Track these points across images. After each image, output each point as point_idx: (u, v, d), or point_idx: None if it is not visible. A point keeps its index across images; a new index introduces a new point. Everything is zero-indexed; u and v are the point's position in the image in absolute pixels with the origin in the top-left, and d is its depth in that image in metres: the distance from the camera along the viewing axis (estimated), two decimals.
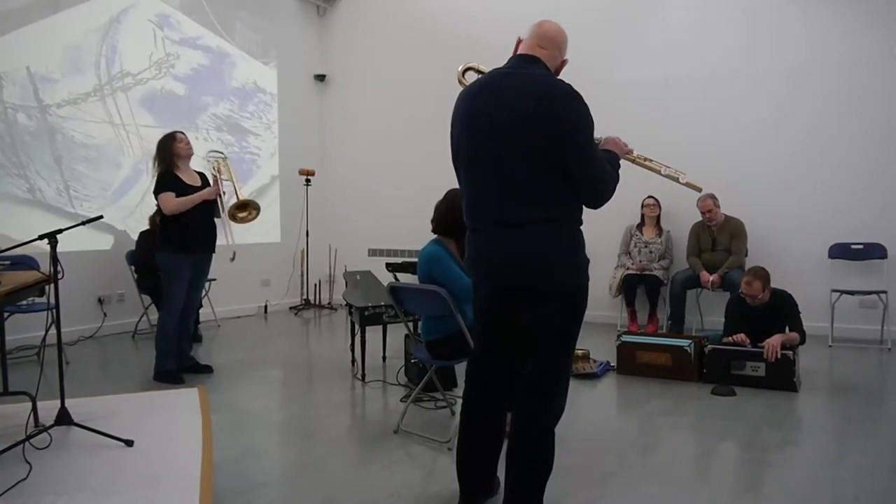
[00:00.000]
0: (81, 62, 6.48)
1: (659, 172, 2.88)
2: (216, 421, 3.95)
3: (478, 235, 2.52)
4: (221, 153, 5.41)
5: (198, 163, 5.35)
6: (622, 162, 2.64)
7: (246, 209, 5.14)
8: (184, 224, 4.79)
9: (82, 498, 2.87)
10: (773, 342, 4.55)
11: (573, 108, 2.33)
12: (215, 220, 5.03)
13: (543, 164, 2.33)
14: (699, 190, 3.12)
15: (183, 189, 4.80)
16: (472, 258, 2.59)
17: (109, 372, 5.48)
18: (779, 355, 4.52)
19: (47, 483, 2.98)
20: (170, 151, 4.84)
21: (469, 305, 3.15)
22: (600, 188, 2.43)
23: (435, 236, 3.85)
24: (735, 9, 6.71)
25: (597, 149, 2.48)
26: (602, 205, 2.45)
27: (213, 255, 5.10)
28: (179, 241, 4.81)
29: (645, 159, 2.83)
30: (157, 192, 4.79)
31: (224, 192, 4.98)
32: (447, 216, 3.72)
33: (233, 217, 5.05)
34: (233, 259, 5.08)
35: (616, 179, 2.49)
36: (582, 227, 2.48)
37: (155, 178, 4.87)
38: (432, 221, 3.86)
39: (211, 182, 4.95)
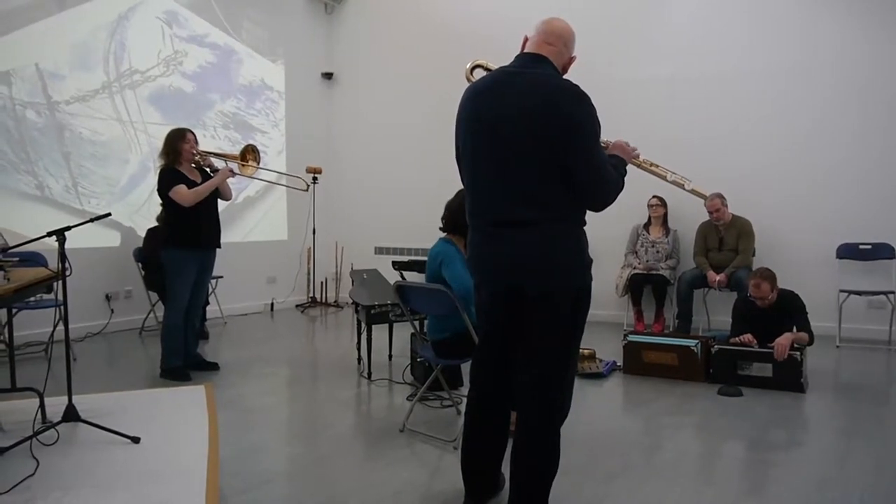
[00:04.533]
0: (90, 59, 6.49)
1: (665, 178, 2.88)
2: (222, 418, 3.96)
3: (480, 235, 2.52)
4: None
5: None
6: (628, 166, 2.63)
7: (246, 158, 5.23)
8: (190, 220, 4.79)
9: (89, 494, 2.88)
10: (783, 341, 4.53)
11: (580, 109, 2.32)
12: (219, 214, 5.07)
13: (547, 164, 2.32)
14: (704, 197, 3.12)
15: (188, 184, 4.80)
16: (474, 258, 2.57)
17: (116, 369, 5.50)
18: (786, 354, 4.50)
19: (54, 479, 3.00)
20: (177, 150, 4.84)
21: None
22: (604, 191, 2.41)
23: (444, 235, 3.85)
24: (739, 7, 6.69)
25: (602, 152, 2.46)
26: (604, 208, 2.44)
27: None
28: (186, 238, 4.81)
29: (651, 164, 2.82)
30: (165, 189, 4.76)
31: (234, 171, 5.06)
32: (457, 214, 3.72)
33: (245, 169, 5.25)
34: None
35: (620, 184, 2.47)
36: (585, 227, 2.47)
37: (158, 174, 4.86)
38: (442, 220, 3.86)
39: (215, 167, 5.00)
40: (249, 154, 5.26)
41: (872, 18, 6.16)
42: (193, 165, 4.93)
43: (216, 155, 5.19)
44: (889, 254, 6.06)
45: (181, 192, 4.74)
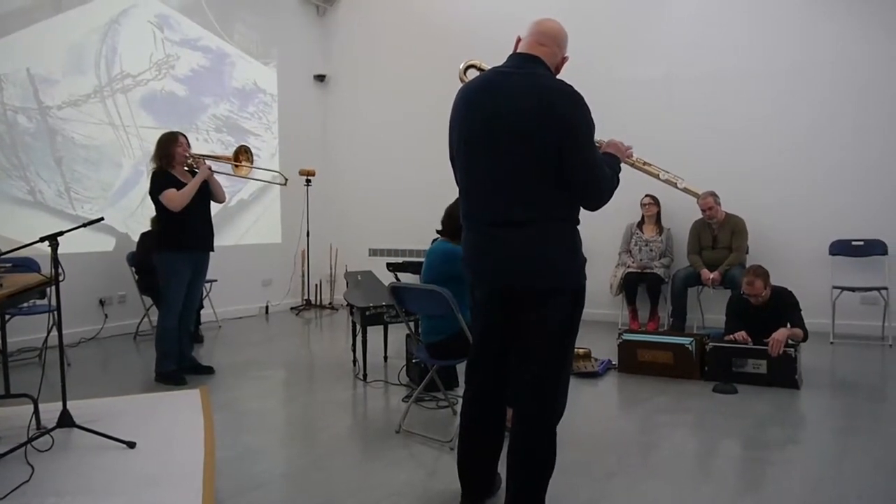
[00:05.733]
0: (81, 63, 6.48)
1: (657, 177, 2.89)
2: (218, 421, 3.95)
3: (475, 235, 2.51)
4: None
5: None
6: (622, 164, 2.63)
7: (239, 159, 5.26)
8: (183, 223, 4.78)
9: (84, 500, 2.87)
10: (778, 336, 4.54)
11: (575, 110, 2.32)
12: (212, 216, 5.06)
13: (542, 164, 2.32)
14: (697, 195, 3.13)
15: (179, 187, 4.79)
16: (469, 258, 2.57)
17: (111, 373, 5.48)
18: (781, 350, 4.51)
19: (49, 485, 2.98)
20: (169, 153, 4.83)
21: None
22: (599, 191, 2.41)
23: (440, 238, 3.84)
24: (737, 7, 6.71)
25: (597, 152, 2.46)
26: (599, 207, 2.44)
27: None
28: (178, 241, 4.80)
29: (644, 163, 2.83)
30: (156, 193, 4.76)
31: (212, 168, 5.00)
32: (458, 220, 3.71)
33: (239, 170, 5.29)
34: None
35: (615, 183, 2.47)
36: (579, 227, 2.48)
37: (150, 177, 4.86)
38: (442, 223, 3.84)
39: (199, 169, 4.95)
40: (242, 155, 5.27)
41: (872, 18, 6.17)
42: (186, 169, 4.93)
43: (209, 157, 5.19)
44: (881, 250, 6.09)
45: (170, 196, 4.73)
